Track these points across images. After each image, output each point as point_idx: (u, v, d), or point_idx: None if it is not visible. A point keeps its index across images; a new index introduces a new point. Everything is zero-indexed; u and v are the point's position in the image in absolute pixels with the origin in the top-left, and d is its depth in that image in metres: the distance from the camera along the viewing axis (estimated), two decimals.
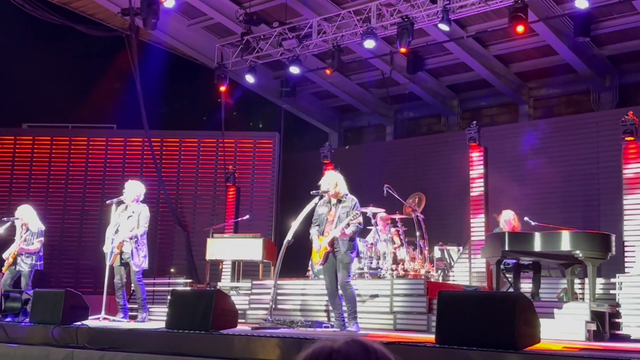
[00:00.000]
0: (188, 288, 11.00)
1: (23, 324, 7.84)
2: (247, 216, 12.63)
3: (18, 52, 16.11)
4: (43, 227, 10.14)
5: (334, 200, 7.52)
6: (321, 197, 7.57)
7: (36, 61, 16.22)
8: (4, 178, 15.80)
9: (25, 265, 9.81)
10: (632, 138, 9.89)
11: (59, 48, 15.83)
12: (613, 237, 8.12)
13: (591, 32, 11.61)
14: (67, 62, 16.21)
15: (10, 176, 15.81)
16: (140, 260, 8.78)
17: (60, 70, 16.43)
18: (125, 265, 8.82)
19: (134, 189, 9.05)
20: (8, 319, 8.40)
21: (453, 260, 10.99)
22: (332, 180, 7.57)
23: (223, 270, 12.41)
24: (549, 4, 11.96)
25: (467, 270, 11.05)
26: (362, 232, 10.23)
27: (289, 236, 7.66)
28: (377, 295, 9.05)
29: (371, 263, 10.01)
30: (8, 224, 10.06)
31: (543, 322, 5.06)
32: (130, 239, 8.73)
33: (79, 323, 7.01)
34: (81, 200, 15.39)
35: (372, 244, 10.15)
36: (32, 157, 15.93)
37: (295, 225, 7.62)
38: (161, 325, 6.99)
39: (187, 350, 5.78)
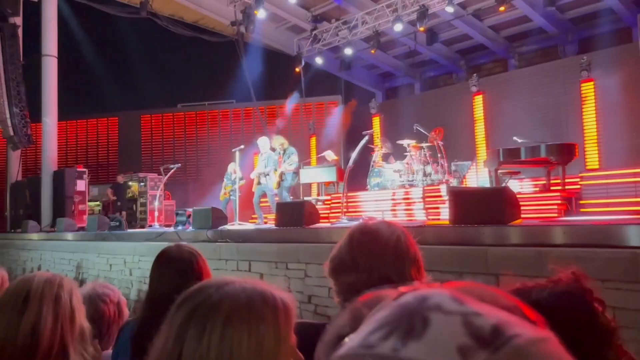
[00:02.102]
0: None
1: (189, 229, 8.23)
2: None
3: (169, 57, 16.50)
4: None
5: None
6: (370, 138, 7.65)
7: (181, 62, 16.60)
8: (167, 143, 16.43)
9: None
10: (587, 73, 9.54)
11: (194, 51, 16.11)
12: (577, 145, 7.75)
13: (555, 2, 10.91)
14: (200, 60, 16.50)
15: (172, 142, 16.43)
16: (270, 187, 8.96)
17: (196, 66, 16.77)
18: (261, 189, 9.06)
19: (265, 142, 9.18)
20: (179, 227, 8.90)
21: (465, 171, 10.75)
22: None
23: (312, 188, 12.61)
24: None
25: (475, 178, 10.82)
26: (401, 156, 10.19)
27: (350, 163, 7.68)
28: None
29: (408, 178, 9.94)
30: (174, 169, 10.27)
31: (526, 206, 4.98)
32: (264, 173, 8.97)
33: (222, 227, 7.27)
34: (218, 151, 15.87)
35: (407, 163, 10.05)
36: (185, 127, 16.47)
37: (353, 155, 7.61)
38: (272, 224, 7.23)
39: (290, 239, 5.88)
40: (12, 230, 13.53)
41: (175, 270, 1.87)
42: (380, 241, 1.17)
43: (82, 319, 1.41)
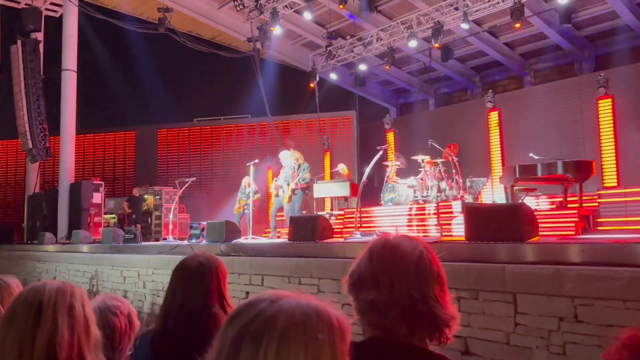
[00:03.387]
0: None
1: (202, 242, 8.21)
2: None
3: (186, 72, 16.71)
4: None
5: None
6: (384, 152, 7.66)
7: (198, 77, 16.80)
8: (183, 157, 16.56)
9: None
10: (604, 89, 9.43)
11: (210, 67, 16.30)
12: (594, 163, 7.63)
13: (572, 19, 10.89)
14: (216, 75, 16.67)
15: (188, 155, 16.55)
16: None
17: (212, 81, 16.94)
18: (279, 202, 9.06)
19: (286, 155, 9.21)
20: (193, 240, 8.91)
21: (480, 187, 10.63)
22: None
23: (325, 203, 12.56)
24: (539, 2, 11.28)
25: (490, 194, 10.69)
26: (415, 172, 10.13)
27: (364, 178, 7.65)
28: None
29: (422, 193, 9.85)
30: (189, 182, 10.33)
31: (543, 224, 4.89)
32: (282, 186, 8.97)
33: (235, 240, 7.26)
34: (232, 165, 15.94)
35: (421, 179, 9.97)
36: (201, 141, 16.59)
37: (367, 170, 7.58)
38: (285, 239, 7.19)
39: (304, 254, 5.84)
40: (29, 242, 13.69)
41: (188, 280, 1.86)
42: (402, 257, 1.13)
43: (95, 329, 1.39)
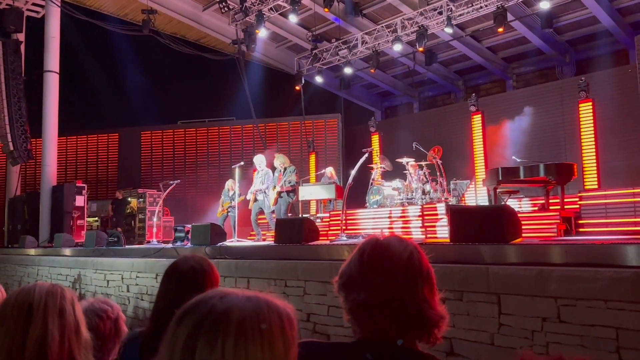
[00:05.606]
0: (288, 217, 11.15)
1: (187, 245, 8.14)
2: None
3: (170, 74, 16.59)
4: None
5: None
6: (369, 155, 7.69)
7: (182, 79, 16.68)
8: (167, 159, 16.42)
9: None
10: (585, 93, 9.60)
11: (195, 69, 16.20)
12: (575, 165, 7.75)
13: (553, 24, 11.08)
14: (201, 77, 16.59)
15: (172, 158, 16.41)
16: (268, 204, 8.96)
17: (197, 83, 16.85)
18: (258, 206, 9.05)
19: (261, 159, 9.20)
20: (178, 243, 8.82)
21: (464, 190, 10.72)
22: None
23: (310, 205, 12.57)
24: (522, 7, 11.41)
25: (473, 196, 10.79)
26: (400, 174, 10.19)
27: (350, 180, 7.67)
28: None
29: (407, 195, 9.92)
30: (173, 185, 10.25)
31: (525, 226, 4.96)
32: (261, 190, 8.96)
33: (220, 243, 7.21)
34: (217, 167, 15.86)
35: (406, 182, 10.04)
36: (185, 144, 16.47)
37: (353, 173, 7.60)
38: (271, 241, 7.16)
39: (289, 257, 5.84)
40: (10, 246, 13.43)
41: (177, 282, 1.85)
42: (392, 257, 1.13)
43: (85, 330, 1.38)
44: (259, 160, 9.18)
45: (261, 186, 8.92)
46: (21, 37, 13.63)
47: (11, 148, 12.82)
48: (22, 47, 13.58)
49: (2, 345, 1.24)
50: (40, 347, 1.25)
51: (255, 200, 9.06)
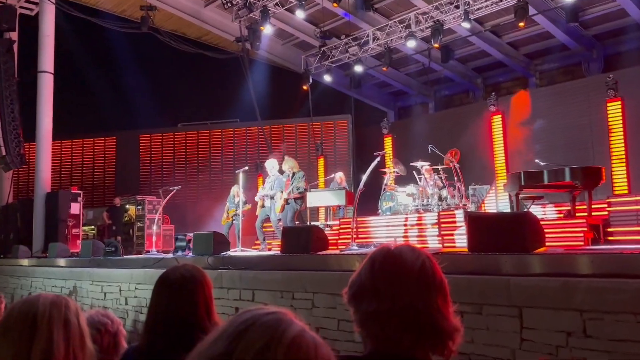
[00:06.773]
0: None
1: (189, 255, 8.17)
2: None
3: (170, 74, 16.73)
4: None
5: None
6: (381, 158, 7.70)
7: (183, 79, 16.82)
8: (167, 164, 16.55)
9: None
10: (613, 92, 9.52)
11: (196, 68, 16.33)
12: (603, 169, 7.72)
13: (579, 17, 11.05)
14: (203, 77, 16.71)
15: (172, 163, 16.53)
16: (274, 211, 8.97)
17: (198, 83, 16.97)
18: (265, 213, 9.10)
19: (273, 164, 9.26)
20: (179, 253, 8.88)
21: (483, 196, 10.71)
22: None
23: (319, 212, 12.59)
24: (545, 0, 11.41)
25: (494, 202, 10.78)
26: (414, 179, 10.19)
27: (361, 185, 7.68)
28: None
29: (422, 202, 9.92)
30: (174, 191, 10.29)
31: (550, 234, 4.95)
32: (269, 195, 9.01)
33: (223, 253, 7.24)
34: (220, 172, 15.95)
35: (421, 187, 10.04)
36: (186, 147, 16.59)
37: (364, 178, 7.60)
38: (277, 251, 7.18)
39: (297, 267, 5.86)
40: (2, 256, 13.57)
41: (170, 293, 1.88)
42: (404, 266, 1.16)
43: (89, 342, 1.42)
44: (271, 164, 9.23)
45: (270, 191, 8.97)
46: (14, 35, 13.84)
47: (3, 153, 13.00)
48: (15, 46, 13.78)
49: (6, 356, 1.28)
50: (45, 359, 1.29)
51: (263, 206, 9.12)
